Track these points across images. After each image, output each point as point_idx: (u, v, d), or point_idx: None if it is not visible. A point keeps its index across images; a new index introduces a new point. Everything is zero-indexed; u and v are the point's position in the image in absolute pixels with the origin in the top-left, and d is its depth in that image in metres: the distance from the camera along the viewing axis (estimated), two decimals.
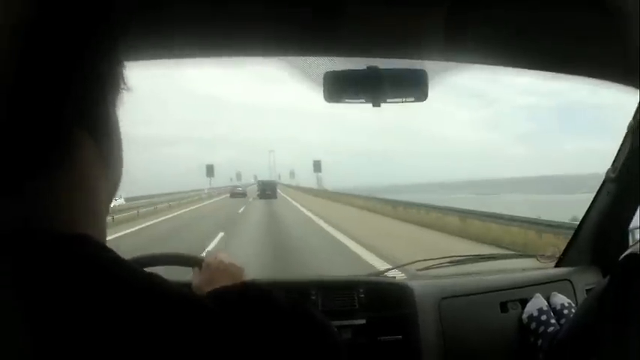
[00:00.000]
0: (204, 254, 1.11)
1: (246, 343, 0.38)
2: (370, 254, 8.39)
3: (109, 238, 0.46)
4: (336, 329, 0.48)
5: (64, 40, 0.38)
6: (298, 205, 23.08)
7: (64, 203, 0.39)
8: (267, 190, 30.80)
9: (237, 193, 33.03)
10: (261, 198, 29.51)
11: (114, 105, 0.44)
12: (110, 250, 0.40)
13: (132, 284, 0.38)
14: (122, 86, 0.44)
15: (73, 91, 0.38)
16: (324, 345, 0.44)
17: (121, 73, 0.44)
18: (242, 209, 20.04)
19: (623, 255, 1.23)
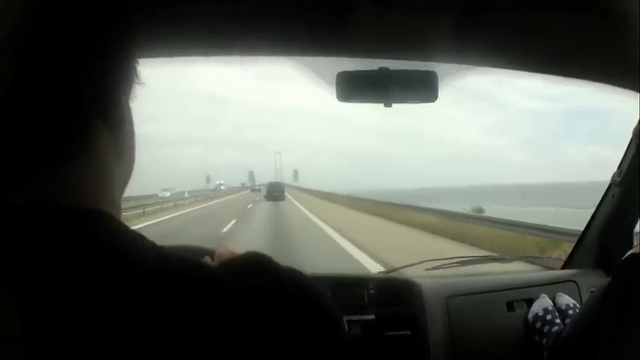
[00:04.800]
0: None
1: (260, 323, 0.41)
2: None
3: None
4: (341, 314, 0.49)
5: (81, 33, 0.40)
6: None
7: (81, 185, 0.42)
8: (275, 192, 29.98)
9: (255, 190, 49.11)
10: (267, 200, 28.16)
11: (127, 97, 0.47)
12: (122, 223, 0.42)
13: (143, 252, 0.40)
14: (135, 80, 0.47)
15: (89, 83, 0.41)
16: (327, 325, 0.46)
17: (135, 67, 0.46)
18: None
19: (625, 255, 1.25)
